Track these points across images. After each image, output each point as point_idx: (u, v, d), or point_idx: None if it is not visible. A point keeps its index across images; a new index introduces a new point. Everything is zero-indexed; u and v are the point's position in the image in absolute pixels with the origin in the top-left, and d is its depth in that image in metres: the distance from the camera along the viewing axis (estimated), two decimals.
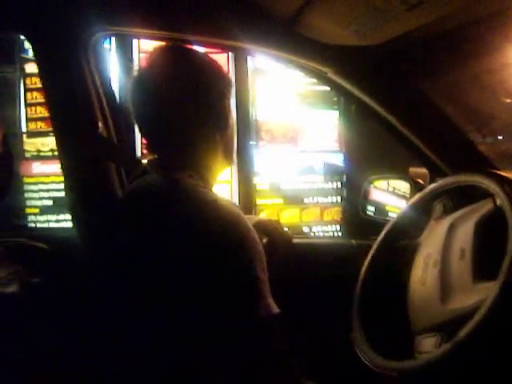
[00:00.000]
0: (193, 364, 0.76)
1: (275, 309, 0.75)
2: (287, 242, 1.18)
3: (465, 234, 0.90)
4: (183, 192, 0.81)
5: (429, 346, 0.82)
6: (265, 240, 1.14)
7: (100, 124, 1.11)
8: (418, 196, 1.10)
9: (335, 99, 2.54)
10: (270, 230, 1.16)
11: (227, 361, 0.75)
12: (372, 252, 1.13)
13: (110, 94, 1.20)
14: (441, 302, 0.84)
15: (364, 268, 1.12)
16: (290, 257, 1.22)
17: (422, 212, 1.14)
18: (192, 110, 0.85)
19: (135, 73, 0.89)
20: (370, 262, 1.12)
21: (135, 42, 2.24)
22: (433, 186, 1.07)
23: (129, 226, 0.84)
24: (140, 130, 0.91)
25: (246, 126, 2.45)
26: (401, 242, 1.13)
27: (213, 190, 0.91)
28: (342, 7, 0.85)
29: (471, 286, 0.81)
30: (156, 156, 0.93)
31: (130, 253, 0.81)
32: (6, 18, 1.08)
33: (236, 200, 2.38)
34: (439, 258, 0.90)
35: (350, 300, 1.09)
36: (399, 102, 1.13)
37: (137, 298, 0.80)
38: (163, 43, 1.01)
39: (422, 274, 0.93)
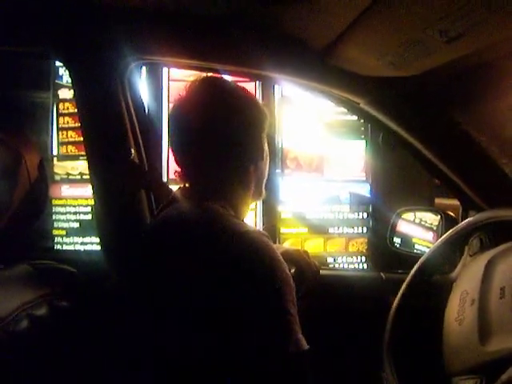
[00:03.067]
0: None
1: (305, 345, 0.73)
2: (315, 273, 1.16)
3: (505, 271, 0.86)
4: (215, 221, 0.81)
5: None
6: (293, 270, 1.12)
7: (132, 151, 1.13)
8: (454, 230, 1.07)
9: (362, 129, 2.53)
10: (298, 261, 1.14)
11: None
12: (404, 287, 1.09)
13: (143, 121, 1.22)
14: (479, 343, 0.80)
15: (395, 303, 1.08)
16: (317, 288, 1.20)
17: (456, 247, 1.10)
18: (229, 141, 0.86)
19: (175, 101, 0.91)
20: (401, 297, 1.08)
21: (165, 70, 2.29)
22: (469, 220, 1.04)
23: (160, 253, 0.84)
24: (176, 158, 0.92)
25: (272, 154, 2.44)
26: (433, 277, 1.10)
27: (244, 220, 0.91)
28: (377, 39, 0.85)
29: None
30: (187, 184, 0.93)
31: (160, 281, 0.80)
32: (47, 46, 1.12)
33: (260, 228, 2.37)
34: (477, 296, 0.87)
35: (379, 336, 1.06)
36: (433, 133, 1.11)
37: (164, 328, 0.78)
38: (203, 74, 1.02)
39: (459, 312, 0.90)
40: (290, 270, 1.11)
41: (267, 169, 0.98)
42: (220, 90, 0.91)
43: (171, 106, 0.92)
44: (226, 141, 0.86)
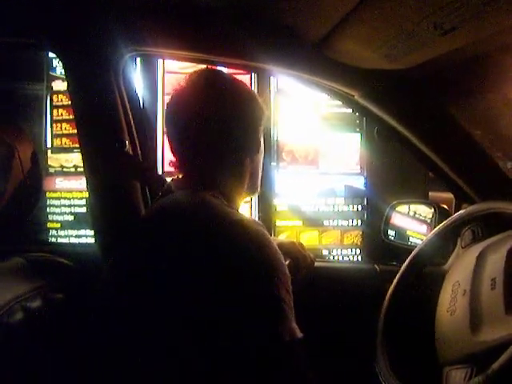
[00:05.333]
0: None
1: (299, 333, 0.73)
2: (310, 265, 1.17)
3: (496, 262, 0.87)
4: (208, 210, 0.81)
5: (458, 378, 0.79)
6: (287, 262, 1.13)
7: (127, 143, 1.12)
8: (446, 222, 1.08)
9: (357, 122, 2.53)
10: (293, 252, 1.15)
11: None
12: (397, 278, 1.10)
13: (137, 113, 1.21)
14: (471, 333, 0.81)
15: (388, 295, 1.09)
16: (312, 280, 1.21)
17: (449, 239, 1.11)
18: (227, 133, 0.87)
19: (174, 91, 0.91)
20: (394, 288, 1.09)
21: (160, 62, 2.28)
22: (462, 212, 1.05)
23: (152, 242, 0.83)
24: (171, 147, 0.92)
25: (267, 147, 2.44)
26: (426, 269, 1.11)
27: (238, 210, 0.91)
28: (372, 31, 0.85)
29: (503, 317, 0.78)
30: (182, 175, 0.94)
31: (152, 269, 0.80)
32: (40, 37, 1.11)
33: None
34: (468, 287, 0.88)
35: (372, 327, 1.07)
36: (427, 125, 1.12)
37: (155, 317, 0.78)
38: (199, 66, 1.02)
39: (451, 303, 0.91)
40: (285, 261, 1.12)
41: (261, 163, 0.98)
42: (219, 82, 0.91)
43: (169, 95, 0.92)
44: (223, 133, 0.86)
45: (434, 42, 0.78)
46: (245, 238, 0.77)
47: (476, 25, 0.70)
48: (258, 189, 1.01)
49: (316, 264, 1.24)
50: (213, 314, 0.73)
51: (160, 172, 2.15)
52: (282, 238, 2.40)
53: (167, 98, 0.93)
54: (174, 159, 0.93)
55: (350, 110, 2.48)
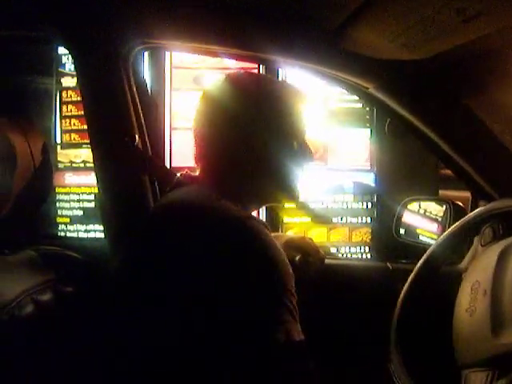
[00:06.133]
0: None
1: (297, 335, 0.71)
2: (321, 259, 1.15)
3: None
4: (211, 207, 0.80)
5: (479, 381, 0.76)
6: (298, 258, 1.11)
7: (137, 137, 1.11)
8: (464, 220, 1.04)
9: (367, 117, 2.50)
10: (303, 247, 1.13)
11: None
12: (411, 277, 1.07)
13: (146, 107, 1.20)
14: (492, 335, 0.78)
15: (403, 293, 1.06)
16: (323, 276, 1.19)
17: (466, 237, 1.08)
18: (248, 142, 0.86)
19: (208, 90, 0.92)
20: (408, 287, 1.06)
21: (168, 57, 2.26)
22: (481, 209, 1.01)
23: (159, 238, 0.82)
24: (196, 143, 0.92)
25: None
26: (443, 267, 1.08)
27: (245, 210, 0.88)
28: (390, 19, 0.81)
29: None
30: (189, 170, 0.94)
31: (157, 261, 0.79)
32: (50, 31, 1.10)
33: (264, 217, 2.35)
34: (489, 286, 0.84)
35: (384, 326, 1.04)
36: (445, 119, 1.08)
37: (158, 312, 0.77)
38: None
39: (470, 303, 0.88)
40: (295, 258, 1.10)
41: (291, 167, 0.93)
42: (257, 85, 0.91)
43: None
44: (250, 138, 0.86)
45: (455, 30, 0.75)
46: (245, 236, 0.75)
47: (502, 10, 0.66)
48: (295, 194, 0.96)
49: (327, 261, 1.21)
50: (212, 313, 0.72)
51: (168, 167, 2.14)
52: (295, 233, 2.38)
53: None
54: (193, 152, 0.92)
55: (359, 105, 2.44)
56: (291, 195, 0.96)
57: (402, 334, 1.01)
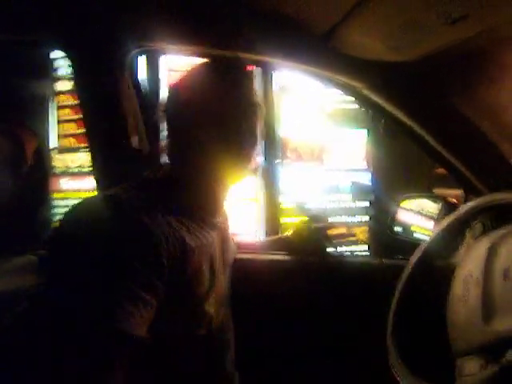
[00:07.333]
0: None
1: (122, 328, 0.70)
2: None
3: (507, 253, 0.86)
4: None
5: (472, 368, 0.78)
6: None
7: (135, 139, 1.13)
8: (454, 215, 1.07)
9: (363, 117, 2.53)
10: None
11: None
12: (407, 271, 1.09)
13: (144, 109, 1.21)
14: (484, 323, 0.80)
15: (398, 288, 1.08)
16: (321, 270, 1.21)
17: (457, 231, 1.11)
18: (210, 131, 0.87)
19: (174, 86, 0.92)
20: (405, 281, 1.09)
21: (163, 61, 2.28)
22: (470, 204, 1.04)
23: None
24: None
25: (272, 144, 2.45)
26: (436, 262, 1.10)
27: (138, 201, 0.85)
28: (379, 22, 0.84)
29: None
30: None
31: None
32: (47, 34, 1.12)
33: (263, 218, 2.37)
34: (481, 277, 0.87)
35: (380, 320, 1.06)
36: (434, 118, 1.11)
37: None
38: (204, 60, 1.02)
39: (463, 293, 0.90)
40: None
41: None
42: (221, 77, 0.91)
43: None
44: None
45: (442, 32, 0.78)
46: (71, 213, 0.78)
47: (486, 13, 0.69)
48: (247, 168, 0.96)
49: (321, 259, 1.24)
50: None
51: None
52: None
53: None
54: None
55: (355, 106, 2.47)
56: (244, 170, 0.96)
57: (399, 327, 1.03)
